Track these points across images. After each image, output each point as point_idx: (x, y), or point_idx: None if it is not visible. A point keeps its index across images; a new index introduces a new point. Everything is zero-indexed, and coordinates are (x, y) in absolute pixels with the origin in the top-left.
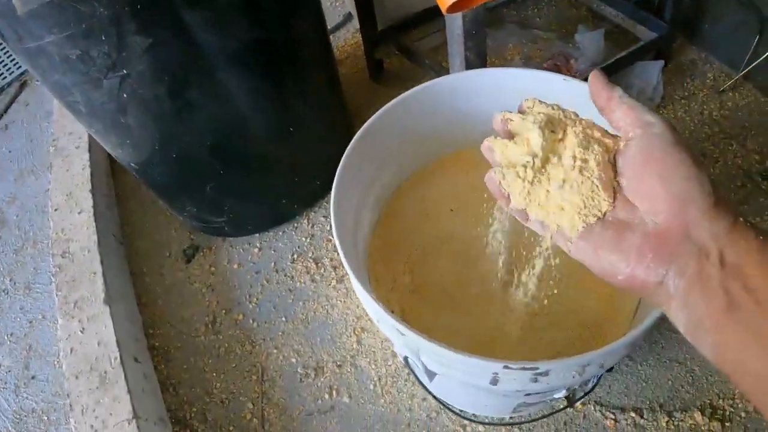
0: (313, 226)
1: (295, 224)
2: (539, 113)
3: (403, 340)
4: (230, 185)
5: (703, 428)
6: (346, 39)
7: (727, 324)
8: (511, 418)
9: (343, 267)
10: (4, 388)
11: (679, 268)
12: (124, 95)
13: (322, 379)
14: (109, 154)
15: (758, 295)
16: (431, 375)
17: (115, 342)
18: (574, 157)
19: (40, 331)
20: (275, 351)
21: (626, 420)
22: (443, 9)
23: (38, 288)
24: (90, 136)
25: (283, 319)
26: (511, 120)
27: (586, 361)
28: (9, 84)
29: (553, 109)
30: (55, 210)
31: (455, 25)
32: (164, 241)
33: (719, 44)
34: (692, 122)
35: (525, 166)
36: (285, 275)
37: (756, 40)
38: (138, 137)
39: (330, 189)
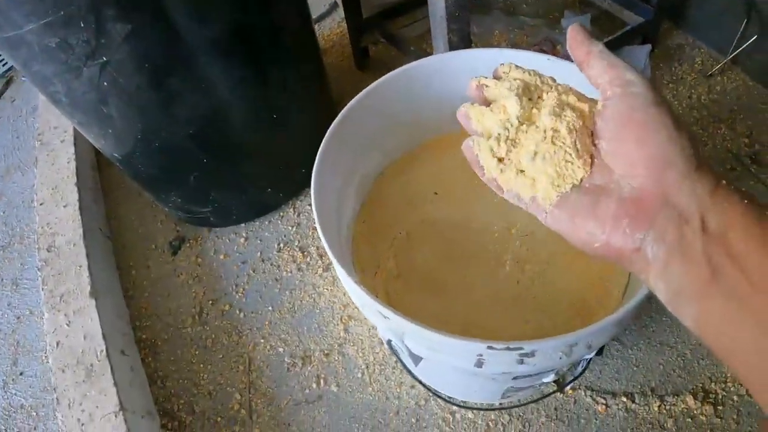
0: (299, 215)
1: (281, 213)
2: (515, 79)
3: (387, 324)
4: (214, 174)
5: (695, 412)
6: (332, 28)
7: (710, 293)
8: (500, 404)
9: (329, 255)
10: None
11: (657, 234)
12: (105, 84)
13: (309, 368)
14: (94, 148)
15: (743, 262)
16: (416, 359)
17: (102, 335)
18: (546, 127)
19: (27, 327)
20: (262, 341)
21: (617, 405)
22: None
23: (25, 284)
24: (75, 130)
25: (270, 308)
26: (487, 86)
27: (572, 340)
28: None
29: (530, 74)
30: (41, 204)
31: (438, 7)
32: (150, 234)
33: (706, 29)
34: (680, 106)
35: (499, 137)
36: (271, 265)
37: (743, 24)
38: (120, 127)
39: None
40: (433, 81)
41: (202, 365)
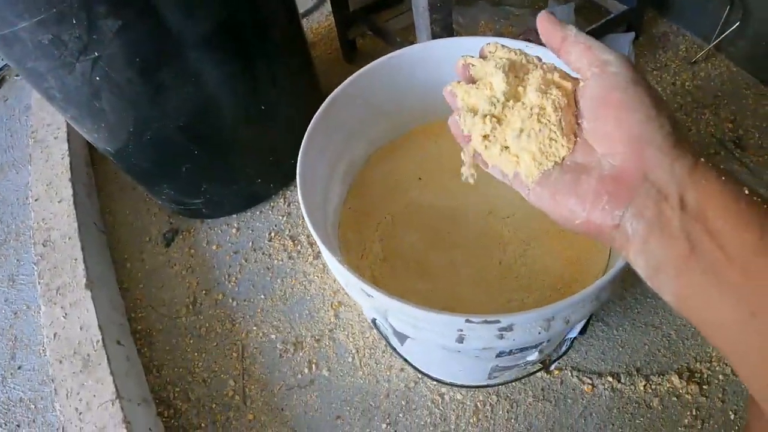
0: (289, 205)
1: (272, 203)
2: (501, 58)
3: (371, 302)
4: (205, 166)
5: (681, 391)
6: (320, 21)
7: (689, 269)
8: (488, 383)
9: (314, 237)
10: None
11: (636, 210)
12: (97, 78)
13: (301, 354)
14: (88, 143)
15: (721, 238)
16: (402, 338)
17: (98, 326)
18: (532, 105)
19: (24, 322)
20: (255, 328)
21: (603, 385)
22: None
23: (22, 279)
24: (68, 126)
25: (262, 296)
26: (473, 65)
27: (549, 313)
28: None
29: (516, 53)
30: (36, 200)
31: None
32: (144, 226)
33: (690, 16)
34: (665, 93)
35: (485, 114)
36: (263, 254)
37: (726, 11)
38: (112, 121)
39: None
40: (416, 70)
41: (196, 354)
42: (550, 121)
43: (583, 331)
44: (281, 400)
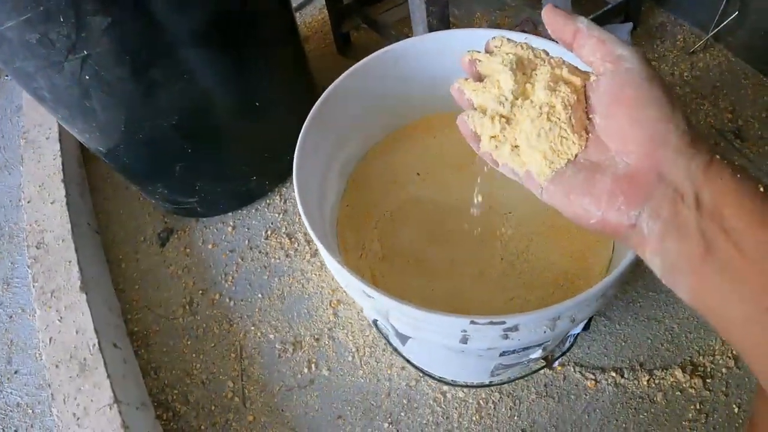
0: (285, 202)
1: (268, 201)
2: (508, 53)
3: (372, 303)
4: (199, 164)
5: (684, 385)
6: (313, 15)
7: (705, 268)
8: (490, 381)
9: (312, 237)
10: None
11: (652, 210)
12: (87, 77)
13: (300, 354)
14: (80, 143)
15: (736, 236)
16: (404, 339)
17: (93, 329)
18: (541, 103)
19: (20, 325)
20: (253, 328)
21: (607, 380)
22: None
23: (16, 282)
24: (60, 126)
25: (260, 296)
26: (480, 60)
27: (554, 313)
28: None
29: (522, 48)
30: (28, 202)
31: None
32: (138, 227)
33: (687, 6)
34: None
35: (494, 112)
36: (259, 252)
37: (724, 1)
38: (103, 120)
39: None
40: (413, 63)
41: (194, 355)
42: (560, 119)
43: (586, 327)
44: (281, 400)
